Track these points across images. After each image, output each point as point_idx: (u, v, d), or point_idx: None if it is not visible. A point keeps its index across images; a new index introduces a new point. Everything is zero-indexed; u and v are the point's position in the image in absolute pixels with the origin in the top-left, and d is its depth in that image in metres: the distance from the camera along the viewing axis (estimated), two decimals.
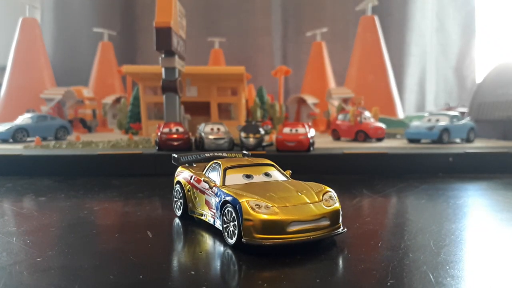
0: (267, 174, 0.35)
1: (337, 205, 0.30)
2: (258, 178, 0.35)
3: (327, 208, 0.30)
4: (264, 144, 0.86)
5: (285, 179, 0.36)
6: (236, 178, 0.35)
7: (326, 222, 0.29)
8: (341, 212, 0.30)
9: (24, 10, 3.40)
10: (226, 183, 0.35)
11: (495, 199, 0.52)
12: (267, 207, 0.33)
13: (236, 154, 0.42)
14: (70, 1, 2.05)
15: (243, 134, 0.83)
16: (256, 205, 0.33)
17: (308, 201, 0.31)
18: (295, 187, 0.33)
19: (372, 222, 0.36)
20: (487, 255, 0.28)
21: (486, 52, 2.55)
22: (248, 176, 0.35)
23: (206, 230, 0.35)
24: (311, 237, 0.29)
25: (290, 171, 0.41)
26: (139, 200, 0.73)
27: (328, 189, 0.33)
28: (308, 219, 0.29)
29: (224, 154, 0.41)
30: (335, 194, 0.31)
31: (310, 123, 1.15)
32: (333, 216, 0.30)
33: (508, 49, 2.46)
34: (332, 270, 0.25)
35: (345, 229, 0.30)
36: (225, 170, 0.36)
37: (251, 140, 0.83)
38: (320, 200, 0.31)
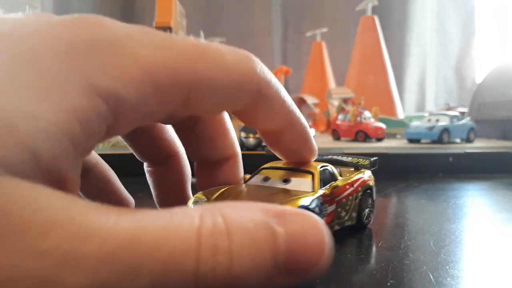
0: (285, 180, 0.30)
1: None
2: (272, 182, 0.31)
3: None
4: (264, 144, 0.86)
5: (302, 189, 0.29)
6: (256, 179, 0.33)
7: None
8: None
9: (24, 10, 3.39)
10: (249, 182, 0.33)
11: (495, 199, 0.53)
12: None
13: (361, 160, 0.33)
14: (70, 0, 2.05)
15: (243, 134, 0.83)
16: (195, 201, 0.30)
17: None
18: (278, 195, 0.29)
19: (372, 222, 0.36)
20: (487, 255, 0.28)
21: (486, 52, 2.55)
22: (265, 179, 0.32)
23: None
24: None
25: (337, 184, 0.32)
26: (139, 200, 0.72)
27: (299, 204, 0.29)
28: None
29: (348, 159, 0.33)
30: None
31: (310, 123, 1.15)
32: None
33: (508, 49, 2.47)
34: (332, 270, 0.25)
35: None
36: (259, 170, 0.33)
37: (251, 140, 0.83)
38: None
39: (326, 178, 0.32)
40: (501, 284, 0.24)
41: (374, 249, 0.30)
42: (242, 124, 0.92)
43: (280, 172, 0.32)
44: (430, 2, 2.46)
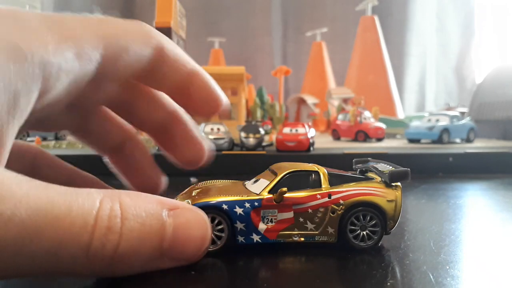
0: (255, 181, 0.30)
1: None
2: (250, 181, 0.31)
3: None
4: (264, 144, 0.86)
5: (253, 190, 0.30)
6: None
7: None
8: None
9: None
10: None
11: (495, 199, 0.53)
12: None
13: (388, 170, 0.32)
14: (70, 1, 2.05)
15: (243, 134, 0.83)
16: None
17: None
18: (224, 192, 0.30)
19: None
20: (487, 255, 0.28)
21: (486, 52, 2.56)
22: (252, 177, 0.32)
23: None
24: None
25: (285, 189, 0.29)
26: None
27: None
28: None
29: (386, 168, 0.33)
30: None
31: (310, 123, 1.16)
32: None
33: (508, 50, 2.47)
34: (332, 270, 0.25)
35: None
36: (268, 168, 0.33)
37: (251, 140, 0.83)
38: None
39: (301, 184, 0.30)
40: (501, 284, 0.24)
41: (374, 249, 0.30)
42: (242, 124, 0.93)
43: (266, 172, 0.33)
44: (430, 2, 2.47)
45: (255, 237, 0.29)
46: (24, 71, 0.17)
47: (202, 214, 0.21)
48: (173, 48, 0.25)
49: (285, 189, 0.29)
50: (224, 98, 0.29)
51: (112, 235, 0.17)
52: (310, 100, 1.86)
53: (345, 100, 1.50)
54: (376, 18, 1.82)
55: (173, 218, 0.19)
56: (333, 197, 0.30)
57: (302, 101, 1.95)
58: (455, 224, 0.39)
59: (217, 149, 0.84)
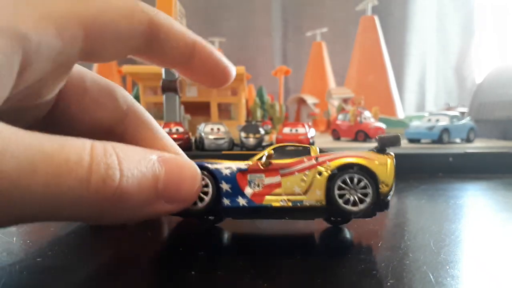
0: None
1: None
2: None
3: None
4: (264, 144, 0.86)
5: (249, 159, 0.32)
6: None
7: None
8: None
9: None
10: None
11: (495, 199, 0.53)
12: None
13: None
14: None
15: (243, 134, 0.83)
16: None
17: None
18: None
19: (372, 222, 0.36)
20: (487, 255, 0.28)
21: (486, 52, 2.56)
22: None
23: (207, 230, 0.35)
24: None
25: (272, 151, 0.31)
26: None
27: None
28: None
29: None
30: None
31: (310, 123, 1.16)
32: None
33: (508, 50, 2.47)
34: (332, 270, 0.25)
35: None
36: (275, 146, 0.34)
37: (251, 140, 0.83)
38: None
39: (293, 154, 0.31)
40: (501, 284, 0.24)
41: (374, 249, 0.30)
42: (242, 124, 0.92)
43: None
44: (430, 2, 2.47)
45: (241, 201, 0.29)
46: (2, 43, 0.16)
47: (191, 161, 0.22)
48: (169, 22, 0.24)
49: (271, 150, 0.30)
50: (232, 68, 0.28)
51: (112, 171, 0.17)
52: (310, 100, 1.86)
53: (345, 100, 1.50)
54: (376, 18, 1.82)
55: (163, 161, 0.20)
56: (319, 159, 0.30)
57: (302, 101, 1.95)
58: (455, 224, 0.39)
59: (217, 149, 0.84)
